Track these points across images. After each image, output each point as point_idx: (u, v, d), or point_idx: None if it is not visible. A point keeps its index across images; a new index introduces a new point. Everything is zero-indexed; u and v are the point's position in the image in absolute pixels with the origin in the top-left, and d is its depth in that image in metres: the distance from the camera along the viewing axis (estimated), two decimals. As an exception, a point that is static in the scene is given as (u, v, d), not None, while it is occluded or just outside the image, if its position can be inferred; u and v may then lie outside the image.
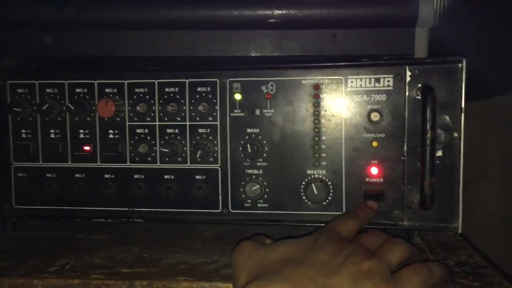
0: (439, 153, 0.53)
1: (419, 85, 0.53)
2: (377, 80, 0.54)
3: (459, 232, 0.54)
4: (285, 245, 0.44)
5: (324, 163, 0.56)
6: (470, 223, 0.57)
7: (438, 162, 0.53)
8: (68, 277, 0.49)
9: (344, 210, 0.56)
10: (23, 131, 0.61)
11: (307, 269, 0.40)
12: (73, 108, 0.59)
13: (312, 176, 0.56)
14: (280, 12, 0.56)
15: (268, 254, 0.43)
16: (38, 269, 0.51)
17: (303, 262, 0.41)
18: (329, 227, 0.47)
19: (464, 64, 0.52)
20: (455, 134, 0.53)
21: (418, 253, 0.48)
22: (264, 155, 0.57)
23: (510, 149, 1.03)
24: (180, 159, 0.59)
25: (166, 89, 0.58)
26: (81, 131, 0.60)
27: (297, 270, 0.40)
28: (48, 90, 0.60)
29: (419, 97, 0.53)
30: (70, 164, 0.61)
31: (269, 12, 0.56)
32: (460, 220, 0.53)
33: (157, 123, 0.59)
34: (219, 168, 0.58)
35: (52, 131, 0.61)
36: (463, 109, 0.53)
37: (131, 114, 0.59)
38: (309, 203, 0.57)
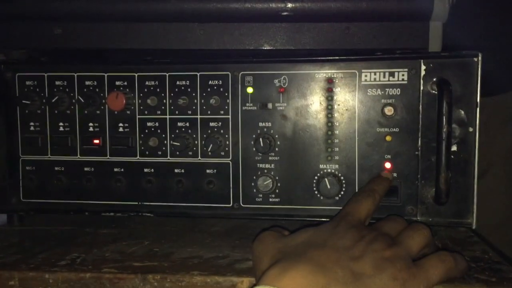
0: (454, 148, 0.53)
1: (434, 79, 0.53)
2: (391, 74, 0.54)
3: (473, 227, 0.53)
4: (306, 232, 0.44)
5: (337, 157, 0.56)
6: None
7: (452, 157, 0.53)
8: (79, 271, 0.48)
9: (357, 205, 0.55)
10: (32, 123, 0.60)
11: (331, 252, 0.40)
12: (82, 100, 0.59)
13: (325, 170, 0.56)
14: (293, 5, 0.56)
15: (290, 241, 0.43)
16: (48, 263, 0.50)
17: (326, 245, 0.41)
18: (347, 211, 0.47)
19: (480, 58, 0.52)
20: (470, 129, 0.53)
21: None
22: (276, 149, 0.57)
23: (512, 147, 1.02)
24: (190, 153, 0.58)
25: (177, 82, 0.58)
26: (91, 124, 0.59)
27: (321, 252, 0.40)
28: (57, 83, 0.59)
29: (433, 91, 0.53)
30: (79, 158, 0.60)
31: (282, 5, 0.56)
32: (475, 216, 0.53)
33: (167, 116, 0.58)
34: (230, 162, 0.58)
35: (61, 124, 0.60)
36: (478, 104, 0.52)
37: (141, 107, 0.58)
38: (322, 197, 0.56)
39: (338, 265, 0.39)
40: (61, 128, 0.60)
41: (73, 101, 0.59)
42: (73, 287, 0.47)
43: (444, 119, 0.50)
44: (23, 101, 0.59)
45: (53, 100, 0.59)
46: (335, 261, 0.39)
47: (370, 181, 0.54)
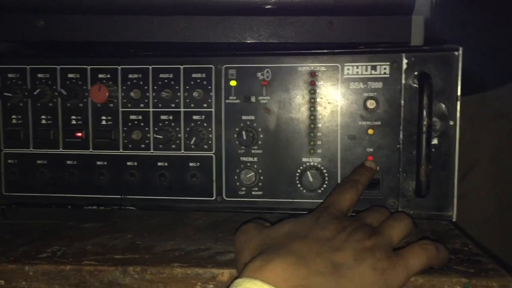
0: (435, 141, 0.53)
1: (416, 73, 0.53)
2: (374, 68, 0.54)
3: (453, 220, 0.54)
4: (288, 223, 0.45)
5: (319, 150, 0.56)
6: (460, 217, 0.57)
7: (433, 150, 0.53)
8: (60, 263, 0.48)
9: (339, 198, 0.55)
10: (14, 116, 0.60)
11: (312, 244, 0.40)
12: (65, 93, 0.58)
13: (308, 163, 0.56)
14: (276, -2, 0.56)
15: (272, 233, 0.44)
16: (28, 256, 0.50)
17: (308, 237, 0.41)
18: (330, 202, 0.47)
19: (460, 52, 0.52)
20: (451, 122, 0.53)
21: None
22: (259, 142, 0.57)
23: (500, 144, 1.04)
24: (174, 146, 0.58)
25: (161, 75, 0.57)
26: (73, 117, 0.59)
27: (302, 243, 0.40)
28: (39, 75, 0.59)
29: (415, 85, 0.53)
30: (61, 151, 0.60)
31: (265, -2, 0.56)
32: (455, 209, 0.54)
33: (151, 109, 0.58)
34: (213, 155, 0.58)
35: (43, 116, 0.59)
36: (459, 97, 0.53)
37: (124, 100, 0.58)
38: (304, 191, 0.56)
39: (319, 257, 0.39)
40: (44, 121, 0.59)
41: (56, 93, 0.59)
42: (53, 279, 0.47)
43: (424, 112, 0.51)
44: (5, 94, 0.59)
45: (35, 93, 0.59)
46: (316, 252, 0.40)
47: (354, 171, 0.54)
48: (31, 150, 0.60)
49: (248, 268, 0.39)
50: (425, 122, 0.51)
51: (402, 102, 0.54)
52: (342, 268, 0.39)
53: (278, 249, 0.40)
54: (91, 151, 0.59)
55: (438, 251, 0.43)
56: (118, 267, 0.47)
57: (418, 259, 0.42)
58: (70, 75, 0.59)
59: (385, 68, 0.54)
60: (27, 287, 0.47)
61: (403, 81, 0.54)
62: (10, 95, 0.59)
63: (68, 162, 0.60)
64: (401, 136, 0.54)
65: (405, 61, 0.54)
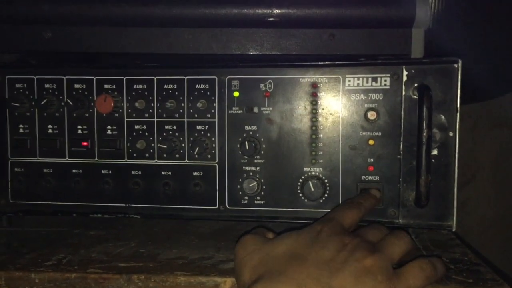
0: (435, 152, 0.54)
1: (416, 85, 0.54)
2: (374, 80, 0.55)
3: (453, 230, 0.55)
4: (287, 239, 0.44)
5: (321, 160, 0.57)
6: (461, 224, 0.58)
7: (433, 160, 0.54)
8: (65, 271, 0.49)
9: (340, 208, 0.56)
10: (21, 126, 0.61)
11: (311, 269, 0.40)
12: (71, 103, 0.59)
13: (309, 173, 0.57)
14: (279, 11, 0.57)
15: (271, 251, 0.43)
16: (35, 263, 0.51)
17: (307, 259, 0.41)
18: (332, 217, 0.48)
19: (460, 64, 0.53)
20: (450, 134, 0.54)
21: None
22: (262, 152, 0.57)
23: (500, 152, 1.04)
24: (177, 156, 0.59)
25: (165, 86, 0.59)
26: (79, 126, 0.60)
27: (301, 269, 0.40)
28: (46, 85, 0.60)
29: (415, 96, 0.54)
30: (67, 160, 0.61)
31: (268, 11, 0.57)
32: (455, 218, 0.54)
33: (155, 119, 0.59)
34: (216, 164, 0.58)
35: (50, 126, 0.61)
36: (458, 109, 0.54)
37: (129, 110, 0.59)
38: (306, 200, 0.57)
39: (318, 283, 0.39)
40: (50, 131, 0.61)
41: (62, 103, 0.60)
42: (59, 287, 0.48)
43: (424, 123, 0.51)
44: (13, 104, 0.60)
45: (42, 103, 0.60)
46: (315, 278, 0.40)
47: (358, 196, 0.54)
48: (37, 159, 0.61)
49: None
50: (425, 133, 0.51)
51: (402, 113, 0.55)
52: None
53: (278, 276, 0.40)
54: (96, 160, 0.60)
55: (436, 270, 0.43)
56: (122, 275, 0.48)
57: (418, 280, 0.42)
58: (76, 86, 0.60)
59: (385, 80, 0.55)
60: (33, 294, 0.48)
61: (403, 93, 0.55)
62: (17, 104, 0.60)
63: (74, 170, 0.61)
64: (401, 146, 0.55)
65: (405, 73, 0.54)
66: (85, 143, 0.60)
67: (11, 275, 0.49)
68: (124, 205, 0.60)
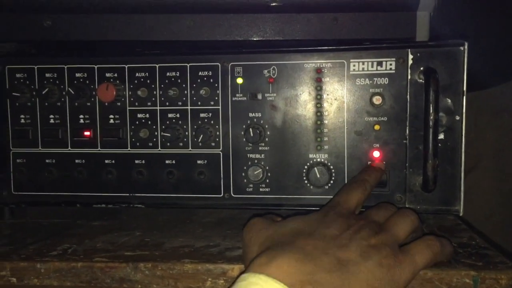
0: (441, 136, 0.54)
1: (421, 68, 0.54)
2: (379, 64, 0.55)
3: (461, 214, 0.54)
4: (295, 220, 0.45)
5: (326, 147, 0.56)
6: (464, 212, 0.58)
7: (440, 145, 0.53)
8: (71, 260, 0.48)
9: (346, 194, 0.56)
10: (22, 116, 0.60)
11: (318, 241, 0.41)
12: (73, 92, 0.59)
13: (314, 160, 0.56)
14: (282, -5, 0.56)
15: (279, 229, 0.44)
16: (40, 253, 0.50)
17: (314, 234, 0.42)
18: (338, 201, 0.48)
19: (466, 47, 0.53)
20: (457, 117, 0.53)
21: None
22: (266, 139, 0.57)
23: (502, 140, 1.04)
24: (181, 144, 0.58)
25: (167, 74, 0.58)
26: (81, 116, 0.60)
27: (308, 241, 0.41)
28: (47, 75, 0.59)
29: (421, 80, 0.54)
30: (70, 150, 0.60)
31: (271, -5, 0.56)
32: (462, 203, 0.54)
33: (158, 107, 0.58)
34: (220, 152, 0.58)
35: (51, 116, 0.60)
36: (464, 92, 0.53)
37: (132, 99, 0.59)
38: (311, 187, 0.57)
39: (324, 253, 0.39)
40: (52, 121, 0.60)
41: (64, 93, 0.59)
42: (65, 276, 0.48)
43: (431, 107, 0.51)
44: (13, 94, 0.59)
45: (43, 92, 0.59)
46: (321, 249, 0.40)
47: (362, 171, 0.54)
48: (39, 150, 0.60)
49: (253, 264, 0.39)
50: (431, 117, 0.51)
51: (408, 97, 0.54)
52: (348, 264, 0.39)
53: (285, 246, 0.40)
54: (99, 150, 0.60)
55: (442, 247, 0.43)
56: (129, 264, 0.47)
57: (424, 256, 0.42)
58: (77, 75, 0.59)
59: (391, 64, 0.54)
60: (39, 284, 0.48)
61: (409, 77, 0.54)
62: (18, 95, 0.59)
63: (77, 161, 0.60)
64: (407, 131, 0.55)
65: (410, 56, 0.54)
66: (87, 133, 0.59)
67: (16, 265, 0.48)
68: (128, 194, 0.60)
